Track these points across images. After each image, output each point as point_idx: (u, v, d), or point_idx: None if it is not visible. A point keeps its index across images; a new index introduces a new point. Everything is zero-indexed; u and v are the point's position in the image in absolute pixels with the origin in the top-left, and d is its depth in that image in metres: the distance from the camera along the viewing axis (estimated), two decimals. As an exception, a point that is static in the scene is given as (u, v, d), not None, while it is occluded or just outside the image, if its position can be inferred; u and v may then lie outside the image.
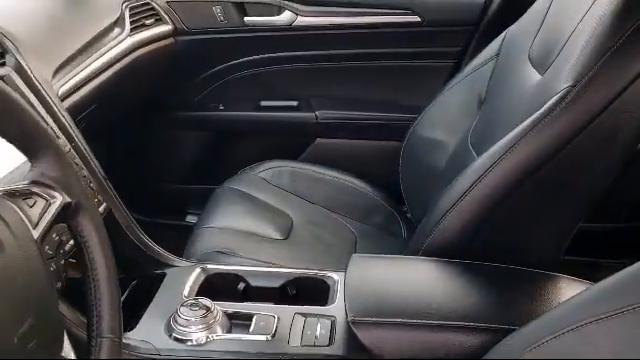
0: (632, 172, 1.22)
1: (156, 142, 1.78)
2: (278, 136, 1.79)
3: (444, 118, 1.38)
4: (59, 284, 0.58)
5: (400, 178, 1.45)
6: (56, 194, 0.59)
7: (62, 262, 0.60)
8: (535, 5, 1.23)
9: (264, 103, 1.77)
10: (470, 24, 1.62)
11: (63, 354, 0.55)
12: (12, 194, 0.55)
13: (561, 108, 0.90)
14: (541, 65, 1.06)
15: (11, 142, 0.59)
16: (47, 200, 0.58)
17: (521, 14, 1.27)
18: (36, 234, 0.54)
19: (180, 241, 1.27)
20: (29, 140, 0.59)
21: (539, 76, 1.05)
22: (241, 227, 1.28)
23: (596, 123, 0.89)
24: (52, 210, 0.58)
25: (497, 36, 1.32)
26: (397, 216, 1.48)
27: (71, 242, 0.64)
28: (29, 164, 0.61)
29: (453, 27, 1.64)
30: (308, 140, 1.74)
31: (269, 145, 1.74)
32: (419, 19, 1.62)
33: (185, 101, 1.76)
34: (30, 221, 0.54)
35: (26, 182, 0.59)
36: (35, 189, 0.58)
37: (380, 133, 1.68)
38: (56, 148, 0.61)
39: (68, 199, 0.60)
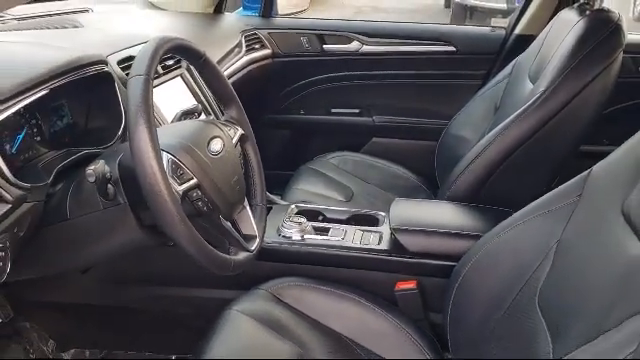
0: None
1: (251, 137, 2.29)
2: (343, 135, 2.25)
3: (470, 121, 1.80)
4: (242, 170, 1.08)
5: (435, 167, 1.87)
6: (238, 128, 1.11)
7: (242, 161, 1.10)
8: (537, 39, 1.68)
9: (334, 110, 2.25)
10: (493, 53, 2.07)
11: (244, 204, 1.06)
12: (222, 123, 1.07)
13: (536, 105, 1.36)
14: (534, 79, 1.52)
15: (214, 95, 1.11)
16: (235, 130, 1.10)
17: (528, 46, 1.72)
18: (232, 141, 1.05)
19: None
20: (224, 95, 1.12)
21: (532, 86, 1.50)
22: (315, 191, 1.76)
23: (558, 116, 1.34)
24: (237, 134, 1.09)
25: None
26: (433, 196, 1.90)
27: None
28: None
29: (480, 55, 2.09)
30: (366, 138, 2.20)
31: (336, 141, 2.17)
32: (454, 48, 2.09)
33: (275, 106, 2.25)
34: (229, 136, 1.05)
35: (223, 119, 1.11)
36: (228, 124, 1.10)
37: (421, 134, 2.12)
38: (237, 102, 1.13)
39: (243, 132, 1.12)
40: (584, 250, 0.91)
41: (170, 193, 0.81)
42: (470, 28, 2.19)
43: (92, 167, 0.85)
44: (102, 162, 0.87)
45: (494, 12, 5.79)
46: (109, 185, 0.90)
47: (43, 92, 0.95)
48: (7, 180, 0.85)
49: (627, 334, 0.61)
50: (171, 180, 0.86)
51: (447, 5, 8.57)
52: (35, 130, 1.06)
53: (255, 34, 2.10)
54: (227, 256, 0.93)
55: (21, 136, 1.02)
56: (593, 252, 0.88)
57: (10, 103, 0.89)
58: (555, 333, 0.88)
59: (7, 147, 0.98)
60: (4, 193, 0.84)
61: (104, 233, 0.95)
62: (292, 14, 2.42)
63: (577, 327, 0.82)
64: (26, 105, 0.94)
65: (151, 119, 0.82)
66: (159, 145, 0.82)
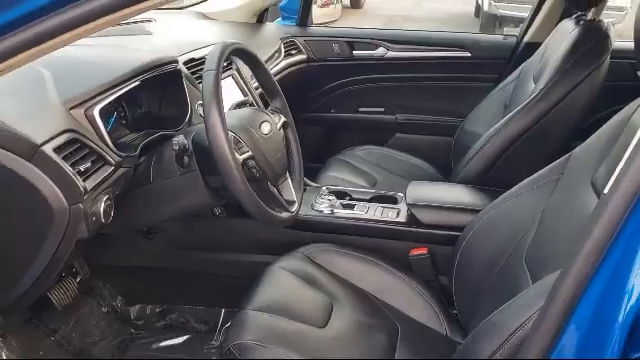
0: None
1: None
2: (370, 131, 2.48)
3: (482, 118, 2.01)
4: (284, 149, 1.33)
5: (452, 160, 2.07)
6: (282, 116, 1.37)
7: (284, 144, 1.35)
8: (541, 45, 1.90)
9: (361, 109, 2.49)
10: (504, 58, 2.29)
11: (286, 176, 1.31)
12: (270, 112, 1.33)
13: (535, 101, 1.59)
14: (537, 80, 1.74)
15: (263, 89, 1.37)
16: (279, 117, 1.36)
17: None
18: (277, 126, 1.31)
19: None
20: (271, 89, 1.37)
21: (534, 85, 1.73)
22: (344, 177, 2.00)
23: (553, 112, 1.57)
24: (281, 121, 1.35)
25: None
26: (449, 185, 2.12)
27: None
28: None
29: (493, 60, 2.31)
30: (390, 134, 2.43)
31: (363, 137, 2.38)
32: (470, 54, 2.31)
33: (309, 105, 2.50)
34: (275, 122, 1.31)
35: (269, 109, 1.37)
36: (274, 112, 1.36)
37: (439, 130, 2.34)
38: (281, 95, 1.39)
39: (285, 119, 1.38)
40: (560, 215, 1.13)
41: (235, 160, 1.07)
42: (484, 36, 2.41)
43: (176, 139, 1.13)
44: (182, 136, 1.14)
45: (523, 21, 5.91)
46: (185, 156, 1.17)
47: (135, 83, 1.23)
48: (110, 148, 1.13)
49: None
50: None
51: (477, 14, 8.71)
52: (122, 115, 1.34)
53: (292, 41, 2.36)
54: (274, 212, 1.19)
55: (112, 119, 1.30)
56: (567, 216, 1.10)
57: (112, 91, 1.17)
58: (536, 278, 1.10)
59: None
60: (109, 158, 1.11)
61: (179, 193, 1.21)
62: (325, 23, 2.66)
63: (547, 270, 1.04)
64: (118, 95, 1.21)
65: (221, 104, 1.08)
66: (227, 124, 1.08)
